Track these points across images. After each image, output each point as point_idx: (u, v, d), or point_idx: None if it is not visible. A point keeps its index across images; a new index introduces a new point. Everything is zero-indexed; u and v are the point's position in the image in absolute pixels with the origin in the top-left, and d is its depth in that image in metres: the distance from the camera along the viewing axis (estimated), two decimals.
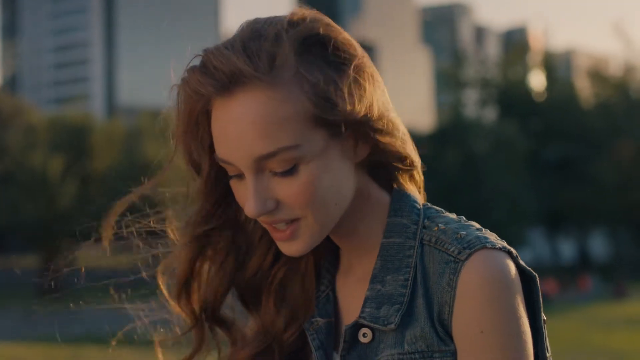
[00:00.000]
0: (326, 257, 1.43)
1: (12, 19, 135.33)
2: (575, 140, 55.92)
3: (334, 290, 1.41)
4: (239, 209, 1.38)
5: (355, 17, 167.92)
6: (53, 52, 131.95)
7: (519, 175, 51.20)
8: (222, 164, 1.28)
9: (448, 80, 65.75)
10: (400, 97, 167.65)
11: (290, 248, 1.28)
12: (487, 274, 1.21)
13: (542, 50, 72.69)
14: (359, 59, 1.27)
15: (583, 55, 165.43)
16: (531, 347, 1.22)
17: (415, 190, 1.41)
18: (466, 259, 1.24)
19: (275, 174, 1.24)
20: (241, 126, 1.21)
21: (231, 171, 1.27)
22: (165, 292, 1.52)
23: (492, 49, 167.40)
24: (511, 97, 61.80)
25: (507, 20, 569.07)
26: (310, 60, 1.23)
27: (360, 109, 1.25)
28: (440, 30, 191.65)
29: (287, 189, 1.24)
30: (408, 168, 1.38)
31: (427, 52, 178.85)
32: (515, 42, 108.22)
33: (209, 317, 1.46)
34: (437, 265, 1.27)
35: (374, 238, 1.35)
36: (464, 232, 1.28)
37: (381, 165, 1.36)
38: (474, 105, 65.63)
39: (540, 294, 1.28)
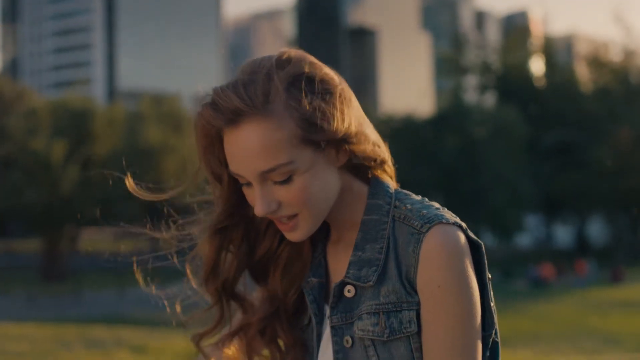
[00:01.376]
0: (319, 230, 1.79)
1: (12, 4, 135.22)
2: (574, 126, 55.98)
3: (325, 257, 1.78)
4: (249, 207, 1.75)
5: (356, 2, 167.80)
6: (53, 36, 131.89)
7: (517, 161, 51.33)
8: (234, 176, 1.64)
9: (448, 65, 65.79)
10: (400, 82, 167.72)
11: (294, 236, 1.65)
12: (442, 242, 1.57)
13: (542, 35, 72.79)
14: (337, 88, 1.64)
15: (583, 41, 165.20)
16: (478, 297, 1.60)
17: (388, 179, 1.78)
18: (427, 231, 1.59)
19: (275, 182, 1.60)
20: (245, 149, 1.56)
21: (242, 180, 1.63)
22: (191, 276, 1.86)
23: (493, 34, 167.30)
24: (511, 83, 61.85)
25: (508, 5, 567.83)
26: (297, 94, 1.58)
27: (341, 129, 1.61)
28: (440, 15, 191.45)
29: (285, 194, 1.59)
30: (379, 165, 1.75)
31: (428, 37, 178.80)
32: (515, 27, 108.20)
33: (228, 294, 1.82)
34: (404, 236, 1.63)
35: (357, 216, 1.71)
36: (426, 211, 1.63)
37: (359, 164, 1.75)
38: (474, 90, 65.77)
39: (485, 258, 1.65)
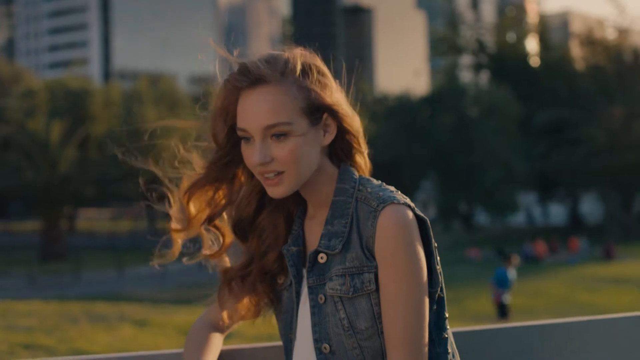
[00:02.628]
0: (299, 209, 2.29)
1: None
2: (567, 104, 56.18)
3: (302, 230, 2.27)
4: (240, 171, 2.25)
5: None
6: (49, 17, 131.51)
7: (511, 139, 51.56)
8: (239, 132, 2.12)
9: (442, 45, 65.84)
10: (395, 61, 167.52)
11: (276, 191, 2.11)
12: (394, 218, 2.04)
13: (537, 13, 72.79)
14: (330, 78, 2.18)
15: (578, 18, 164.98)
16: (424, 262, 2.07)
17: (360, 168, 2.26)
18: (382, 209, 2.06)
19: (272, 138, 2.07)
20: (258, 106, 2.04)
21: (243, 135, 2.11)
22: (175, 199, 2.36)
23: (488, 12, 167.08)
24: (505, 61, 61.97)
25: None
26: (304, 76, 2.11)
27: (331, 102, 2.14)
28: None
29: (279, 151, 2.05)
30: (360, 148, 2.24)
31: (423, 16, 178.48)
32: (510, 6, 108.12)
33: (212, 223, 2.31)
34: (365, 214, 2.09)
35: (328, 197, 2.17)
36: (382, 193, 2.10)
37: (336, 152, 2.22)
38: (468, 69, 65.91)
39: (430, 230, 2.13)
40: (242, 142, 2.12)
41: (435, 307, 2.15)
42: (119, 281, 35.35)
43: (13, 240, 57.49)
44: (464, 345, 2.47)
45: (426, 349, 2.05)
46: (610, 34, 61.76)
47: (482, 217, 59.96)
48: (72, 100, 54.16)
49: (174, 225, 2.34)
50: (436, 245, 2.15)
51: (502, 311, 17.52)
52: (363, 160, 2.27)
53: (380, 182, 2.20)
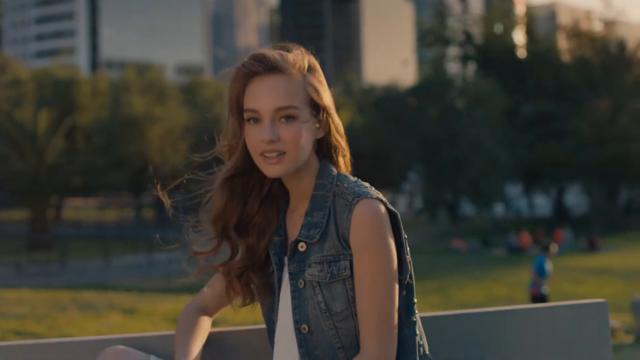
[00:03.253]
0: (282, 203, 2.51)
1: None
2: (553, 96, 56.37)
3: (284, 222, 2.49)
4: (244, 173, 2.45)
5: None
6: (36, 6, 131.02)
7: (496, 131, 51.74)
8: (248, 113, 2.34)
9: (429, 36, 65.92)
10: (383, 51, 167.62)
11: (275, 169, 2.32)
12: (367, 211, 2.26)
13: (525, 4, 72.96)
14: (324, 80, 2.43)
15: (566, 9, 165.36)
16: (394, 251, 2.29)
17: (340, 167, 2.47)
18: (356, 203, 2.27)
19: (281, 120, 2.31)
20: (272, 88, 2.29)
21: (252, 115, 2.33)
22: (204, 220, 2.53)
23: (476, 4, 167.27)
24: (491, 53, 62.14)
25: None
26: (310, 73, 2.37)
27: (325, 101, 2.38)
28: None
29: (286, 132, 2.27)
30: (344, 150, 2.47)
31: (411, 7, 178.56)
32: None
33: (225, 234, 2.49)
34: (341, 207, 2.30)
35: (309, 190, 2.39)
36: (357, 189, 2.31)
37: (322, 149, 2.45)
38: (455, 60, 66.06)
39: (401, 223, 2.35)
40: (248, 125, 2.34)
41: (404, 293, 2.37)
42: (106, 270, 35.43)
43: (0, 230, 57.49)
44: (432, 329, 2.66)
45: (396, 330, 2.27)
46: (597, 26, 61.93)
47: (467, 208, 60.19)
48: (59, 90, 54.15)
49: (197, 249, 2.54)
50: (406, 236, 2.37)
51: (541, 302, 17.45)
52: (344, 160, 2.49)
53: (356, 179, 2.41)
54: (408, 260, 2.37)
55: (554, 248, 18.76)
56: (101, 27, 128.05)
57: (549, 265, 17.47)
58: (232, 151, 2.43)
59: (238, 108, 2.38)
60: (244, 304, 2.55)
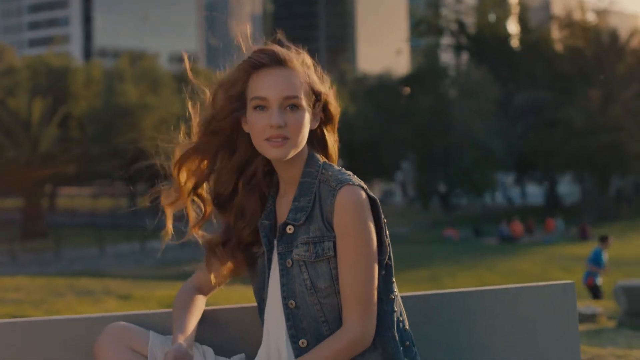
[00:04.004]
0: (272, 189, 2.73)
1: None
2: (546, 86, 56.46)
3: (274, 207, 2.70)
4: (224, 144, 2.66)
5: None
6: None
7: (489, 120, 51.88)
8: (255, 101, 2.55)
9: (422, 25, 65.93)
10: (376, 40, 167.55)
11: (278, 152, 2.52)
12: (349, 197, 2.48)
13: None
14: (322, 75, 2.67)
15: None
16: (373, 233, 2.51)
17: (330, 157, 2.70)
18: (339, 189, 2.50)
19: (287, 108, 2.53)
20: (281, 79, 2.52)
21: (260, 103, 2.54)
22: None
23: None
24: (484, 43, 62.18)
25: None
26: (312, 70, 2.62)
27: (325, 91, 2.63)
28: None
29: (291, 119, 2.50)
30: (333, 142, 2.71)
31: None
32: None
33: (196, 193, 2.72)
34: (326, 193, 2.53)
35: (297, 178, 2.60)
36: (340, 176, 2.53)
37: (312, 139, 2.67)
38: (448, 50, 66.11)
39: (380, 208, 2.56)
40: (254, 112, 2.55)
41: (384, 272, 2.58)
42: (100, 258, 35.59)
43: None
44: (409, 308, 2.86)
45: (375, 306, 2.51)
46: (590, 16, 61.92)
47: (460, 197, 60.39)
48: (53, 78, 53.99)
49: (165, 199, 2.73)
50: (385, 221, 2.59)
51: (595, 292, 17.57)
52: (334, 151, 2.73)
53: (340, 167, 2.64)
54: (387, 242, 2.58)
55: (611, 240, 19.05)
56: (94, 15, 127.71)
57: (605, 257, 17.71)
58: (214, 128, 2.63)
59: (238, 95, 2.58)
60: (226, 278, 2.77)
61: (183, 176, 2.69)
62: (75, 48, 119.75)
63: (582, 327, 9.22)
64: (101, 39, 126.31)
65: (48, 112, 47.64)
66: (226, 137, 2.65)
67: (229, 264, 2.74)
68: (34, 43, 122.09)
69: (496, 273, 24.75)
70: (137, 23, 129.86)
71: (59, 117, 48.05)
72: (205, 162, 2.68)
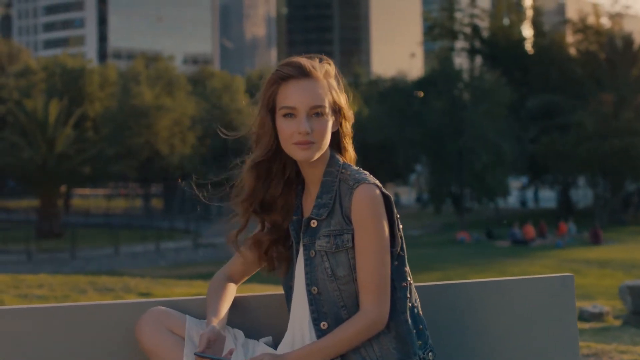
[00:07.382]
0: (299, 189, 3.02)
1: None
2: (559, 90, 56.35)
3: (301, 203, 3.00)
4: (269, 160, 2.94)
5: None
6: None
7: (501, 124, 51.85)
8: (284, 110, 2.84)
9: (436, 28, 65.92)
10: (391, 43, 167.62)
11: (307, 154, 2.81)
12: (364, 195, 2.79)
13: None
14: (342, 85, 2.97)
15: (574, 2, 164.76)
16: (386, 227, 2.83)
17: (349, 158, 2.99)
18: (356, 187, 2.80)
19: (313, 116, 2.79)
20: (307, 90, 2.80)
21: (288, 112, 2.83)
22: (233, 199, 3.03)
23: None
24: (498, 47, 62.14)
25: None
26: (335, 81, 2.93)
27: (343, 103, 2.93)
28: None
29: (317, 125, 2.79)
30: (349, 145, 3.00)
31: None
32: None
33: (255, 210, 2.99)
34: (345, 190, 2.83)
35: (320, 176, 2.89)
36: (357, 175, 2.84)
37: (332, 143, 2.95)
38: (461, 53, 66.09)
39: (393, 204, 2.87)
40: (283, 119, 2.84)
41: (396, 262, 2.89)
42: (115, 258, 35.83)
43: (10, 218, 57.95)
44: (427, 297, 3.13)
45: (389, 292, 2.83)
46: (604, 20, 61.76)
47: (473, 200, 60.41)
48: (68, 80, 54.30)
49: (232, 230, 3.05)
50: (398, 215, 2.91)
51: None
52: (351, 152, 3.02)
53: (358, 167, 2.94)
54: (399, 235, 2.90)
55: None
56: (110, 17, 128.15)
57: None
58: (259, 139, 2.92)
59: (269, 104, 2.88)
60: (269, 271, 3.07)
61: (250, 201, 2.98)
62: (90, 49, 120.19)
63: (589, 325, 9.50)
64: (116, 41, 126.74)
65: (63, 113, 47.97)
66: (274, 153, 2.94)
67: (261, 257, 3.03)
68: (49, 44, 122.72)
69: (508, 275, 24.86)
70: (151, 24, 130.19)
71: (75, 118, 48.38)
72: (262, 183, 2.97)
